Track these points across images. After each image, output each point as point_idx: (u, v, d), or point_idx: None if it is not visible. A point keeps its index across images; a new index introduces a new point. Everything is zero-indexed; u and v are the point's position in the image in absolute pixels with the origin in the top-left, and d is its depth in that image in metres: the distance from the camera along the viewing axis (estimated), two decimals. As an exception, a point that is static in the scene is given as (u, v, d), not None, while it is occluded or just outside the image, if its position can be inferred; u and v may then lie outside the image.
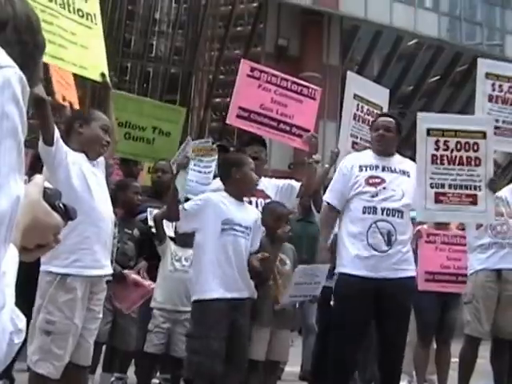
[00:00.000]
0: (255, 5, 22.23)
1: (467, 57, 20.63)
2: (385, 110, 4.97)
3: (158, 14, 25.55)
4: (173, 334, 4.42)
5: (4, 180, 0.91)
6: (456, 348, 5.04)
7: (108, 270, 3.49)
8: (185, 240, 4.41)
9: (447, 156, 4.20)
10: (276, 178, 4.62)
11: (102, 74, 3.97)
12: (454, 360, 5.10)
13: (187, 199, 4.14)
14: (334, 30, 20.58)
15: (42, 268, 3.24)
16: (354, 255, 3.91)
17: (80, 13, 3.99)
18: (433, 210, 4.16)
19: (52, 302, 3.22)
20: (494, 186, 4.25)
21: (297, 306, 4.63)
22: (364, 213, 3.93)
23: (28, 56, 1.16)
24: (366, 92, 4.93)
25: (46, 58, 3.29)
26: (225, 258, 3.79)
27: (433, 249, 5.38)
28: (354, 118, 4.82)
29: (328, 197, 4.15)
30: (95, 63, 4.00)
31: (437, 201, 4.13)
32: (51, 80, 4.44)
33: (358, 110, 4.85)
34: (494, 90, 4.80)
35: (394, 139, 4.20)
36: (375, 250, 3.88)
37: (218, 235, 3.79)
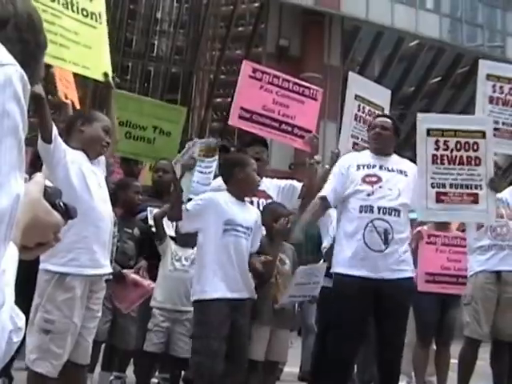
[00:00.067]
0: (257, 5, 22.26)
1: (468, 58, 20.64)
2: (386, 110, 4.97)
3: (159, 13, 25.59)
4: (172, 334, 4.42)
5: (4, 178, 0.91)
6: (456, 349, 5.04)
7: (107, 269, 3.48)
8: (185, 240, 4.41)
9: (447, 156, 4.20)
10: (277, 178, 4.63)
11: (105, 74, 3.97)
12: (454, 361, 5.10)
13: (189, 199, 4.14)
14: (335, 31, 20.59)
15: (41, 266, 3.24)
16: (350, 255, 3.91)
17: (84, 12, 3.99)
18: (434, 209, 4.16)
19: (51, 300, 3.21)
20: (494, 185, 4.24)
21: (296, 306, 4.63)
22: (361, 212, 3.92)
23: (29, 54, 1.16)
24: (367, 93, 4.93)
25: (46, 59, 3.29)
26: (227, 258, 3.79)
27: (433, 250, 5.38)
28: (355, 119, 4.82)
29: (324, 190, 4.15)
30: (98, 63, 4.00)
31: (438, 200, 4.13)
32: (54, 78, 4.44)
33: (359, 110, 4.85)
34: (494, 91, 4.80)
35: (391, 138, 4.20)
36: (372, 249, 3.87)
37: (219, 235, 3.79)
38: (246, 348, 3.88)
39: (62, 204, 1.13)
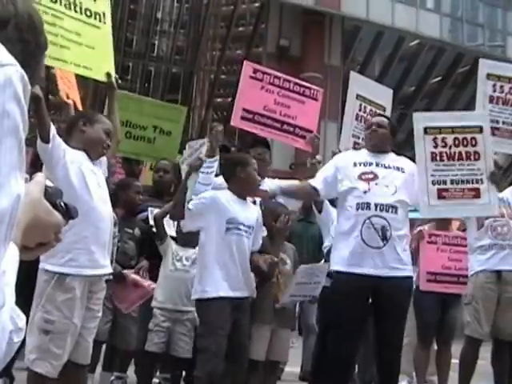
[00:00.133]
0: (257, 5, 22.26)
1: (469, 58, 20.63)
2: (388, 110, 4.97)
3: (159, 13, 25.59)
4: (173, 334, 4.42)
5: (5, 179, 0.91)
6: (457, 349, 5.04)
7: (107, 269, 3.47)
8: (186, 239, 4.42)
9: (446, 153, 4.21)
10: (278, 178, 4.64)
11: (108, 74, 3.96)
12: (455, 361, 5.10)
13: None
14: (335, 31, 20.58)
15: (40, 266, 3.24)
16: (348, 252, 3.91)
17: (88, 12, 3.99)
18: (437, 206, 4.15)
19: (50, 301, 3.21)
20: (495, 178, 4.23)
21: (297, 306, 4.64)
22: (357, 209, 3.92)
23: (29, 55, 1.16)
24: (368, 92, 4.93)
25: (47, 60, 3.29)
26: (229, 256, 3.81)
27: (434, 249, 5.38)
28: (357, 119, 4.82)
29: (315, 178, 4.16)
30: (101, 63, 4.00)
31: (440, 197, 4.13)
32: (55, 78, 4.44)
33: (360, 110, 4.85)
34: (494, 90, 4.81)
35: (387, 136, 4.21)
36: (369, 246, 3.86)
37: (222, 234, 3.81)
38: (247, 347, 3.88)
39: (62, 204, 1.13)
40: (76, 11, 3.91)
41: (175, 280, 4.44)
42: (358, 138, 4.82)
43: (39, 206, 1.08)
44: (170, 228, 4.56)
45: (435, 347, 5.50)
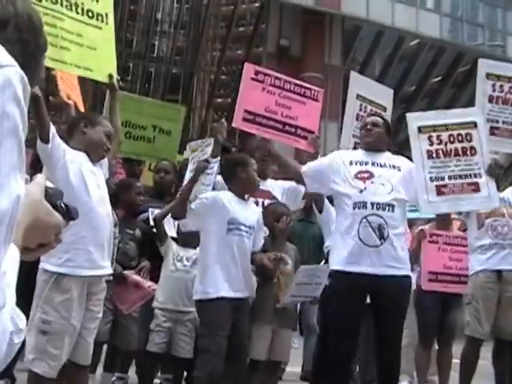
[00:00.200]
0: (257, 5, 22.27)
1: (469, 57, 20.61)
2: (389, 110, 4.96)
3: (159, 14, 25.61)
4: (174, 334, 4.42)
5: (4, 179, 0.91)
6: (458, 349, 5.04)
7: (106, 270, 3.47)
8: (186, 240, 4.42)
9: (442, 150, 4.21)
10: (278, 178, 4.64)
11: (110, 76, 3.96)
12: (456, 361, 5.09)
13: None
14: (335, 31, 20.57)
15: (40, 265, 3.25)
16: (345, 251, 3.90)
17: (90, 13, 3.98)
18: (436, 202, 4.15)
19: (48, 302, 3.22)
20: (493, 171, 4.22)
21: (298, 306, 4.64)
22: (354, 208, 3.91)
23: (29, 55, 1.16)
24: (369, 92, 4.92)
25: (47, 62, 3.29)
26: (230, 257, 3.81)
27: (435, 249, 5.38)
28: (357, 119, 4.82)
29: (309, 164, 4.18)
30: (103, 64, 3.99)
31: (439, 193, 4.13)
32: (55, 79, 4.44)
33: (360, 110, 4.85)
34: (494, 90, 4.80)
35: (382, 135, 4.21)
36: (367, 244, 3.86)
37: (223, 235, 3.81)
38: (247, 348, 3.88)
39: (62, 205, 1.13)
40: (78, 12, 3.90)
41: (176, 280, 4.44)
42: (359, 138, 4.81)
43: (39, 207, 1.08)
44: (171, 229, 4.56)
45: (436, 347, 5.50)
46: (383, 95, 5.07)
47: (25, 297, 1.31)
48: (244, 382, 3.90)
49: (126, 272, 4.42)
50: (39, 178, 1.11)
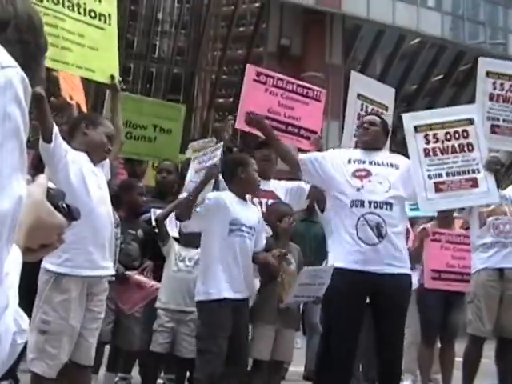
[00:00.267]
0: (257, 5, 22.27)
1: (470, 56, 20.59)
2: (390, 109, 4.95)
3: (160, 14, 25.61)
4: (177, 334, 4.42)
5: (6, 180, 0.91)
6: (460, 347, 5.04)
7: (107, 270, 3.47)
8: (188, 240, 4.42)
9: (439, 147, 4.21)
10: (279, 178, 4.64)
11: (112, 76, 3.95)
12: (459, 359, 5.09)
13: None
14: (336, 30, 20.57)
15: (42, 265, 3.26)
16: (344, 250, 3.90)
17: (92, 14, 3.97)
18: (435, 199, 4.14)
19: (47, 302, 3.23)
20: (491, 166, 4.21)
21: (301, 306, 4.63)
22: (352, 206, 3.91)
23: (30, 56, 1.16)
24: (370, 91, 4.92)
25: (48, 62, 3.29)
26: (232, 258, 3.81)
27: (438, 247, 5.38)
28: (358, 118, 4.81)
29: (309, 154, 4.18)
30: (105, 65, 3.98)
31: (437, 190, 4.12)
32: (57, 80, 4.43)
33: (361, 109, 4.85)
34: (494, 88, 4.80)
35: (380, 133, 4.21)
36: (365, 243, 3.85)
37: (225, 236, 3.81)
38: (247, 348, 3.88)
39: (65, 205, 1.13)
40: (80, 13, 3.89)
41: (178, 280, 4.44)
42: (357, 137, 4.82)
43: (41, 208, 1.08)
44: (173, 229, 4.56)
45: (439, 345, 5.50)
46: (385, 94, 5.07)
47: (27, 297, 1.31)
48: (247, 382, 3.89)
49: (128, 272, 4.42)
50: (41, 178, 1.11)
